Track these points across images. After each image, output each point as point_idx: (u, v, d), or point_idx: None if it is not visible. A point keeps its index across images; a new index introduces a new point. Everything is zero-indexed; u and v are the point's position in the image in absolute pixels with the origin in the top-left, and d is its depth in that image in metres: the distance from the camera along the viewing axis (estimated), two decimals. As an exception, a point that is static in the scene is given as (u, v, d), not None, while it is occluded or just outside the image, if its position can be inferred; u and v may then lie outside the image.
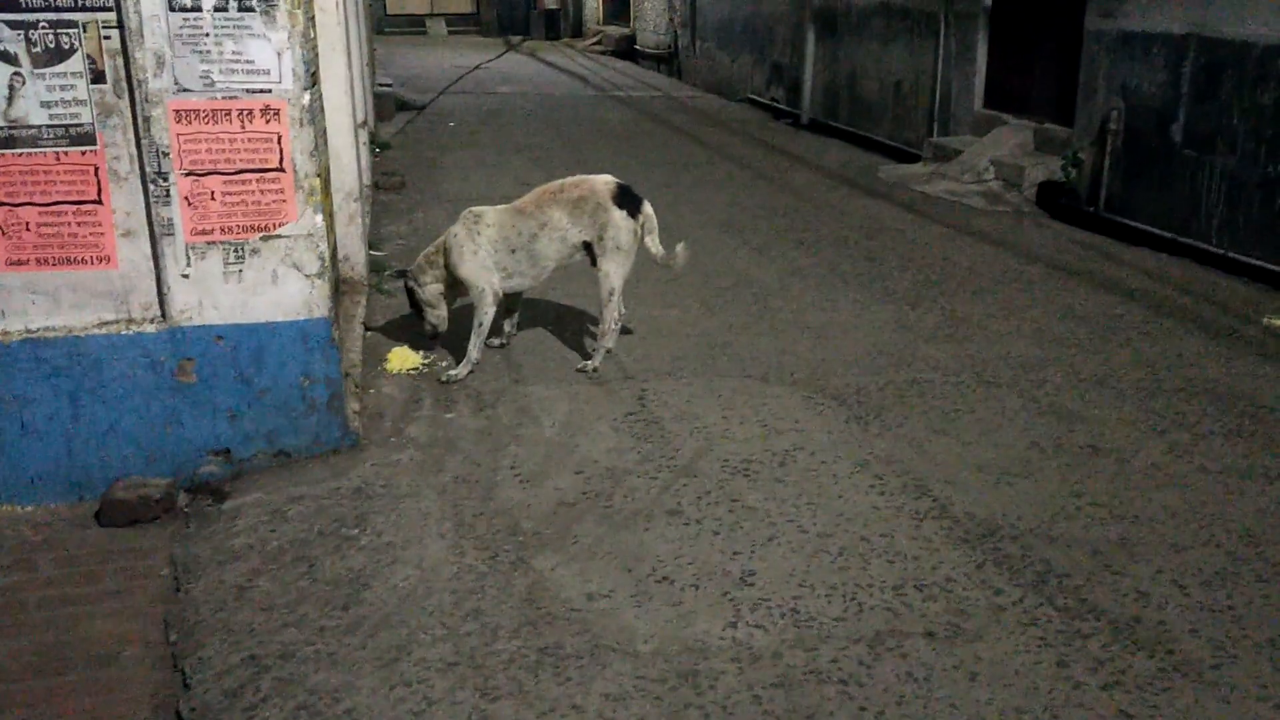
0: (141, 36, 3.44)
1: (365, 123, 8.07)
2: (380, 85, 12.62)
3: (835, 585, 3.24)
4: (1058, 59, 8.61)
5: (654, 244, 4.94)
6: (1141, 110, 7.51)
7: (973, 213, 8.34)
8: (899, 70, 10.87)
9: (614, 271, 4.81)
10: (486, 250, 4.79)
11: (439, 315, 4.98)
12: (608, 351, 4.97)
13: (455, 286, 4.89)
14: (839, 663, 2.87)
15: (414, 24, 26.51)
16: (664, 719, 2.66)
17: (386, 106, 12.23)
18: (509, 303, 5.12)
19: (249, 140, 3.60)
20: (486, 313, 4.80)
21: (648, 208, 4.88)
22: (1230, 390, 4.83)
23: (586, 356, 5.02)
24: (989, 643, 2.97)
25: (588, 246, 4.86)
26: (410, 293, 4.99)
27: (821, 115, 12.59)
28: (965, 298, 6.15)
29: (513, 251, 4.82)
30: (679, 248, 4.98)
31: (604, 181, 4.87)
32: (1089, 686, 2.81)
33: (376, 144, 9.95)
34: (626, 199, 4.81)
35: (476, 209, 4.93)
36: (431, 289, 4.91)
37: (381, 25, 24.27)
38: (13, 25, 3.37)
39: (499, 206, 4.94)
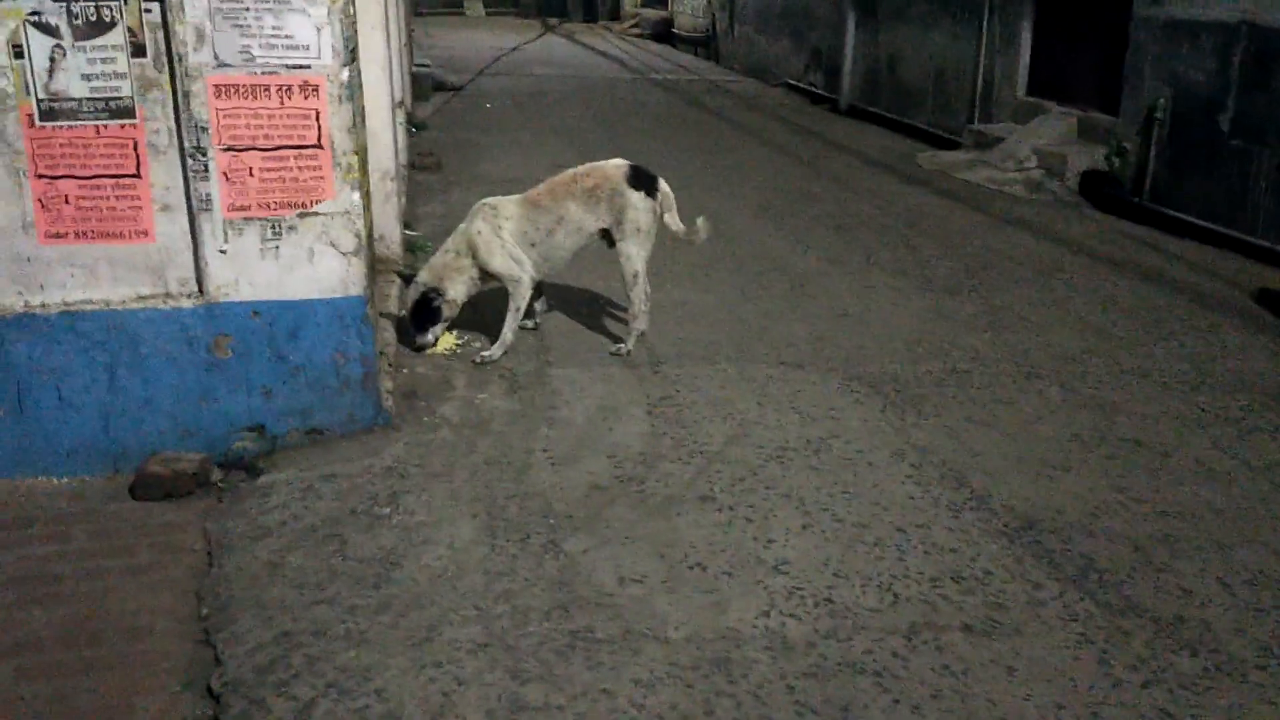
0: (182, 10, 3.43)
1: (402, 102, 8.05)
2: (418, 65, 12.60)
3: (870, 576, 3.19)
4: (1103, 46, 8.46)
5: (673, 220, 4.90)
6: (1189, 99, 7.37)
7: (1014, 201, 8.23)
8: (941, 55, 10.73)
9: (635, 254, 4.77)
10: (511, 241, 4.75)
11: (449, 319, 4.85)
12: (640, 334, 4.94)
13: (486, 279, 4.85)
14: (874, 654, 2.83)
15: (452, 4, 26.47)
16: (695, 707, 2.63)
17: (424, 87, 12.22)
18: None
19: (288, 116, 3.58)
20: (523, 297, 4.78)
21: (664, 185, 4.84)
22: (1277, 385, 4.72)
23: (618, 340, 4.99)
24: (1028, 637, 2.92)
25: (605, 233, 4.82)
26: (422, 304, 4.76)
27: (860, 100, 12.46)
28: (1005, 287, 6.06)
29: (532, 245, 4.79)
30: (699, 221, 4.92)
31: (615, 165, 4.82)
32: (1130, 684, 2.76)
33: (413, 124, 9.94)
34: (642, 180, 4.77)
35: (492, 201, 4.88)
36: (459, 292, 4.79)
37: (419, 5, 24.25)
38: (55, -3, 3.37)
39: (512, 197, 4.89)
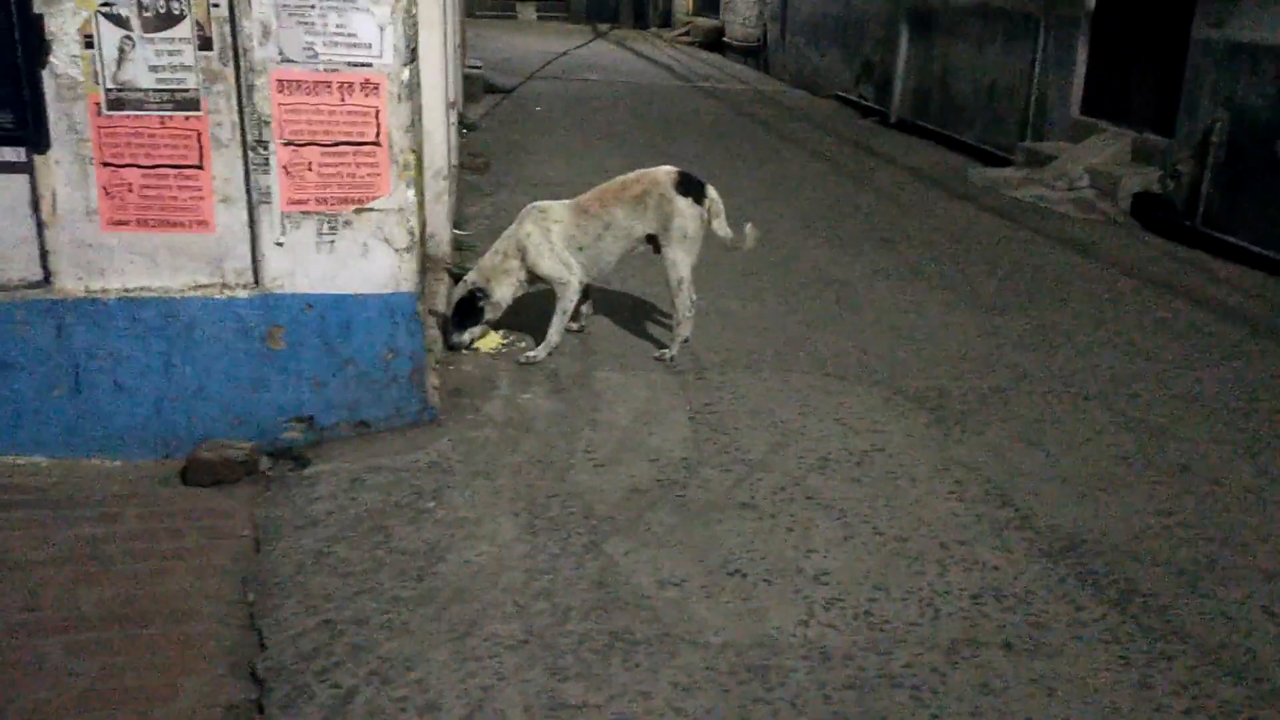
0: (249, 6, 3.49)
1: (455, 103, 8.13)
2: (470, 67, 12.71)
3: (911, 589, 3.18)
4: (1160, 67, 8.37)
5: (721, 227, 4.91)
6: (1247, 123, 7.27)
7: (1064, 220, 8.16)
8: (994, 72, 10.66)
9: (681, 260, 4.78)
10: (560, 244, 4.78)
11: (491, 320, 4.88)
12: (685, 340, 4.95)
13: (533, 281, 4.89)
14: (913, 668, 2.82)
15: (504, 8, 26.65)
16: (732, 712, 2.64)
17: (475, 88, 12.32)
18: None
19: (348, 113, 3.64)
20: (571, 300, 4.81)
21: (712, 191, 4.86)
22: (1330, 416, 4.66)
23: (662, 345, 5.01)
24: (1069, 658, 2.90)
25: (651, 238, 4.85)
26: (465, 303, 4.79)
27: (910, 115, 12.41)
28: (1054, 306, 6.01)
29: (580, 249, 4.82)
30: (747, 228, 4.94)
31: (665, 172, 4.84)
32: (1171, 709, 2.73)
33: (464, 125, 10.02)
34: (690, 186, 4.79)
35: (541, 204, 4.92)
36: (504, 294, 4.81)
37: (472, 8, 24.43)
38: (126, -11, 3.44)
39: (563, 202, 4.93)
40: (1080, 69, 9.43)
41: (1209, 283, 6.70)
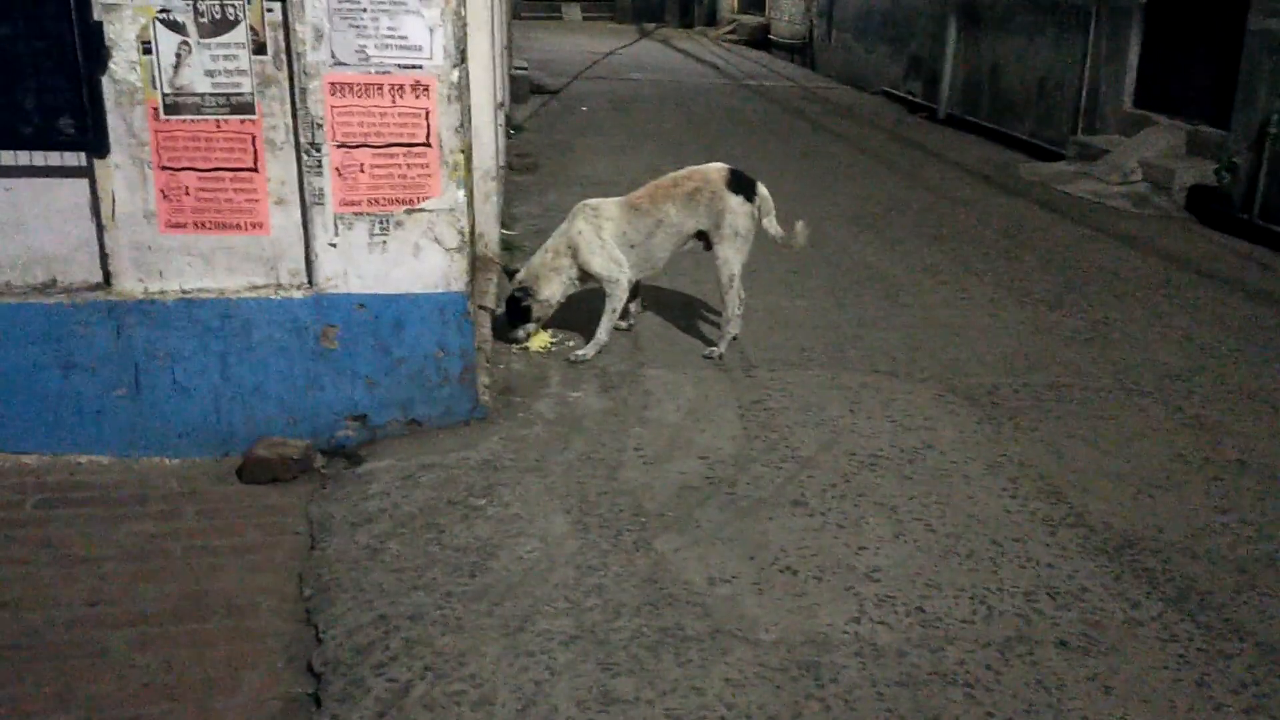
0: (302, 10, 3.54)
1: (502, 104, 8.18)
2: (516, 68, 12.77)
3: (964, 587, 3.16)
4: (1216, 59, 8.22)
5: (772, 225, 4.92)
6: (1307, 114, 7.13)
7: (1118, 215, 8.05)
8: (1044, 65, 10.53)
9: (733, 258, 4.79)
10: (611, 242, 4.80)
11: (541, 319, 4.92)
12: (733, 338, 4.95)
13: (584, 279, 4.91)
14: (966, 666, 2.81)
15: (549, 9, 26.74)
16: (784, 708, 2.64)
17: (521, 89, 12.37)
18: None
19: (399, 115, 3.68)
20: (620, 298, 4.83)
21: (763, 189, 4.86)
22: (1395, 411, 4.55)
23: (711, 342, 5.01)
24: (1125, 656, 2.86)
25: (701, 234, 4.86)
26: (511, 303, 4.85)
27: (960, 110, 12.29)
28: (1108, 301, 5.93)
29: (631, 247, 4.83)
30: (798, 226, 4.93)
31: (716, 169, 4.85)
32: (1230, 709, 2.69)
33: (511, 126, 10.08)
34: (741, 184, 4.80)
35: (593, 202, 4.94)
36: (553, 292, 4.84)
37: (518, 9, 24.56)
38: (183, -4, 3.51)
39: (614, 199, 4.95)
40: (1133, 61, 9.29)
41: (1266, 276, 6.57)
